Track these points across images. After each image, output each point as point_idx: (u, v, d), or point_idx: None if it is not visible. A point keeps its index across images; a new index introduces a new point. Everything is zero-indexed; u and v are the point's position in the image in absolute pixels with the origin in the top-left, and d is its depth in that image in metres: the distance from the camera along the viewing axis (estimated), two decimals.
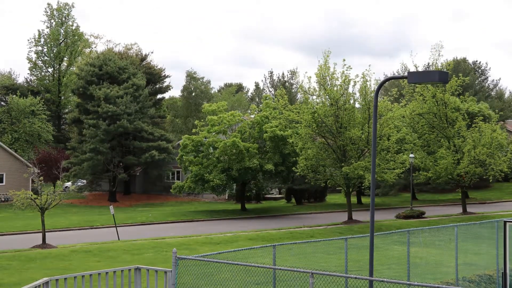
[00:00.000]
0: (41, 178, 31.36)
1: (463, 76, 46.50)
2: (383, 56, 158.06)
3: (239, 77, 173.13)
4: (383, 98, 43.19)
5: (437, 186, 57.99)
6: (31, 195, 29.03)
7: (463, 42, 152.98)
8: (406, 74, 11.99)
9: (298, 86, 79.02)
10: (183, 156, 47.67)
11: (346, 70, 40.15)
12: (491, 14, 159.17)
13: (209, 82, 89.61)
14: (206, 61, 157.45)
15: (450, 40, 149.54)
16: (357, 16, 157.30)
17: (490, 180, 49.09)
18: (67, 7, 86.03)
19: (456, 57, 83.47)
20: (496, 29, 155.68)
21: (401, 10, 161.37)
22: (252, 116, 53.59)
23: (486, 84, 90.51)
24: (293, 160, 45.74)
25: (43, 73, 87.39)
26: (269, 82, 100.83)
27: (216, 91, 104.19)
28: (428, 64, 56.29)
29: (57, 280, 13.18)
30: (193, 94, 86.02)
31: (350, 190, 42.43)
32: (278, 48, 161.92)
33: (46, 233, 29.61)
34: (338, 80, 40.28)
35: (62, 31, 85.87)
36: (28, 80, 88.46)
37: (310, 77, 41.60)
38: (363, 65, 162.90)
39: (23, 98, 71.38)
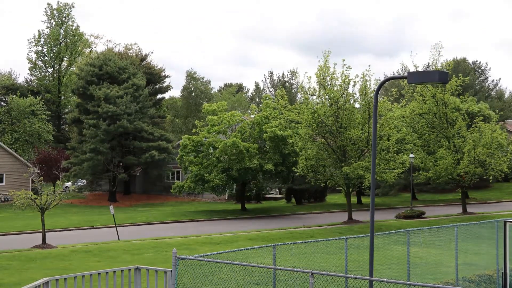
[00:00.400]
0: (41, 178, 31.36)
1: (463, 76, 46.51)
2: (382, 56, 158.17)
3: (239, 77, 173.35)
4: (383, 98, 43.18)
5: (437, 186, 57.99)
6: (31, 195, 29.02)
7: (463, 42, 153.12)
8: (406, 74, 11.99)
9: (298, 86, 79.02)
10: (183, 156, 47.67)
11: (346, 70, 40.20)
12: (491, 14, 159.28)
13: (209, 82, 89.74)
14: (206, 61, 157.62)
15: (450, 40, 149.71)
16: (356, 16, 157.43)
17: (490, 180, 49.10)
18: (67, 7, 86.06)
19: (456, 57, 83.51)
20: (496, 29, 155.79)
21: (401, 9, 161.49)
22: (252, 116, 53.60)
23: (486, 84, 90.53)
24: (293, 160, 45.73)
25: (43, 73, 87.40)
26: (269, 82, 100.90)
27: (216, 91, 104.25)
28: (428, 64, 56.32)
29: (57, 280, 13.18)
30: (193, 94, 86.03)
31: (350, 190, 42.43)
32: (278, 48, 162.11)
33: (46, 233, 29.60)
34: (338, 80, 40.30)
35: (62, 31, 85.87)
36: (28, 80, 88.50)
37: (310, 77, 41.67)
38: (362, 65, 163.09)
39: (23, 98, 71.37)
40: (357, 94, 41.35)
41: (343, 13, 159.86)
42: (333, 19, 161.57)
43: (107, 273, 14.07)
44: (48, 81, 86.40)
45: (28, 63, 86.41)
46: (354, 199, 54.38)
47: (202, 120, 51.06)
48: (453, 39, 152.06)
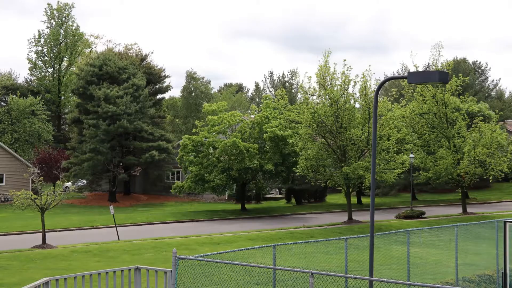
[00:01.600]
0: (41, 178, 31.34)
1: (463, 76, 46.52)
2: (369, 52, 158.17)
3: (239, 77, 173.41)
4: (383, 98, 43.19)
5: (437, 186, 57.98)
6: (31, 195, 28.99)
7: (463, 42, 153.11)
8: (406, 74, 11.99)
9: (298, 86, 79.08)
10: (183, 156, 47.65)
11: (346, 70, 40.20)
12: (491, 13, 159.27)
13: (209, 82, 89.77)
14: (206, 61, 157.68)
15: (450, 39, 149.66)
16: (352, 14, 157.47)
17: (490, 180, 49.12)
18: (67, 7, 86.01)
19: (456, 57, 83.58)
20: (496, 28, 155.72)
21: (401, 8, 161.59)
22: (252, 116, 53.58)
23: (486, 84, 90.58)
24: (293, 160, 45.73)
25: (43, 73, 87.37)
26: (269, 82, 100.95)
27: (216, 91, 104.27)
28: (428, 64, 56.32)
29: (57, 280, 13.16)
30: (193, 94, 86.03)
31: (350, 190, 42.41)
32: (278, 47, 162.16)
33: (46, 233, 29.60)
34: (338, 80, 40.30)
35: (62, 31, 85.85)
36: (28, 80, 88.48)
37: (310, 77, 41.70)
38: (355, 62, 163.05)
39: (23, 98, 71.36)
40: (357, 94, 41.40)
41: (338, 12, 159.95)
42: (316, 15, 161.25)
43: (107, 273, 14.06)
44: (48, 81, 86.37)
45: (28, 63, 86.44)
46: (354, 199, 54.38)
47: (202, 120, 51.04)
48: (454, 38, 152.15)
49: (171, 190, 50.80)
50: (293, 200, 57.61)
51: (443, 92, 44.85)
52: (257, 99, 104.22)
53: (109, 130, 56.96)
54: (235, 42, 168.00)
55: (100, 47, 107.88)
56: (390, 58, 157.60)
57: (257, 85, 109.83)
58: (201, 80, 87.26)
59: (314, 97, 41.78)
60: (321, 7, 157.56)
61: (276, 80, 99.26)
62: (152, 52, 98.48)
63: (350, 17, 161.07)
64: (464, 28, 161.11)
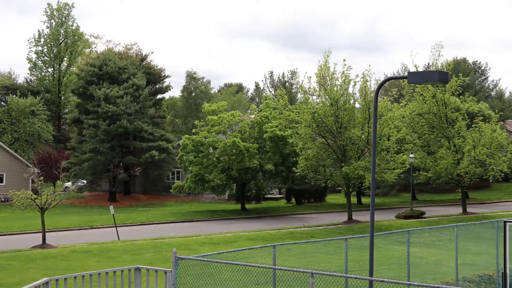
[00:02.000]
0: (41, 178, 31.34)
1: (463, 76, 46.53)
2: (380, 54, 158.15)
3: (239, 77, 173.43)
4: (383, 98, 43.20)
5: (437, 186, 57.96)
6: (31, 195, 28.99)
7: (463, 42, 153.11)
8: (406, 74, 11.99)
9: (298, 86, 79.15)
10: (183, 156, 47.66)
11: (346, 70, 40.20)
12: (491, 13, 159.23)
13: (209, 82, 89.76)
14: (206, 61, 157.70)
15: (450, 39, 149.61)
16: (352, 13, 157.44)
17: (490, 180, 49.12)
18: (67, 7, 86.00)
19: (456, 57, 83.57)
20: (496, 28, 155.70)
21: (401, 8, 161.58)
22: (252, 116, 53.58)
23: (486, 84, 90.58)
24: (293, 160, 45.74)
25: (43, 73, 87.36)
26: (269, 82, 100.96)
27: (216, 91, 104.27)
28: (428, 64, 56.31)
29: (57, 280, 13.16)
30: (193, 94, 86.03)
31: (350, 190, 42.41)
32: (278, 47, 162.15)
33: (46, 233, 29.59)
34: (338, 80, 40.31)
35: (62, 31, 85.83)
36: (28, 80, 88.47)
37: (310, 77, 41.72)
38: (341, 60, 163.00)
39: (23, 98, 71.37)
40: (357, 94, 41.41)
41: (334, 10, 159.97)
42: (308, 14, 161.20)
43: (107, 273, 14.06)
44: (48, 81, 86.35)
45: (28, 63, 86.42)
46: (354, 199, 54.37)
47: (202, 120, 51.04)
48: (454, 38, 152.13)
49: (171, 190, 50.81)
50: (293, 200, 57.60)
51: (443, 92, 44.85)
52: (257, 99, 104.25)
53: (109, 130, 56.96)
54: (235, 42, 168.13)
55: (100, 47, 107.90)
56: (390, 58, 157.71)
57: (257, 85, 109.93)
58: (201, 80, 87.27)
59: (314, 97, 41.83)
60: (321, 7, 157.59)
61: (276, 80, 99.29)
62: (152, 52, 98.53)
63: (350, 17, 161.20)
64: (464, 28, 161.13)
